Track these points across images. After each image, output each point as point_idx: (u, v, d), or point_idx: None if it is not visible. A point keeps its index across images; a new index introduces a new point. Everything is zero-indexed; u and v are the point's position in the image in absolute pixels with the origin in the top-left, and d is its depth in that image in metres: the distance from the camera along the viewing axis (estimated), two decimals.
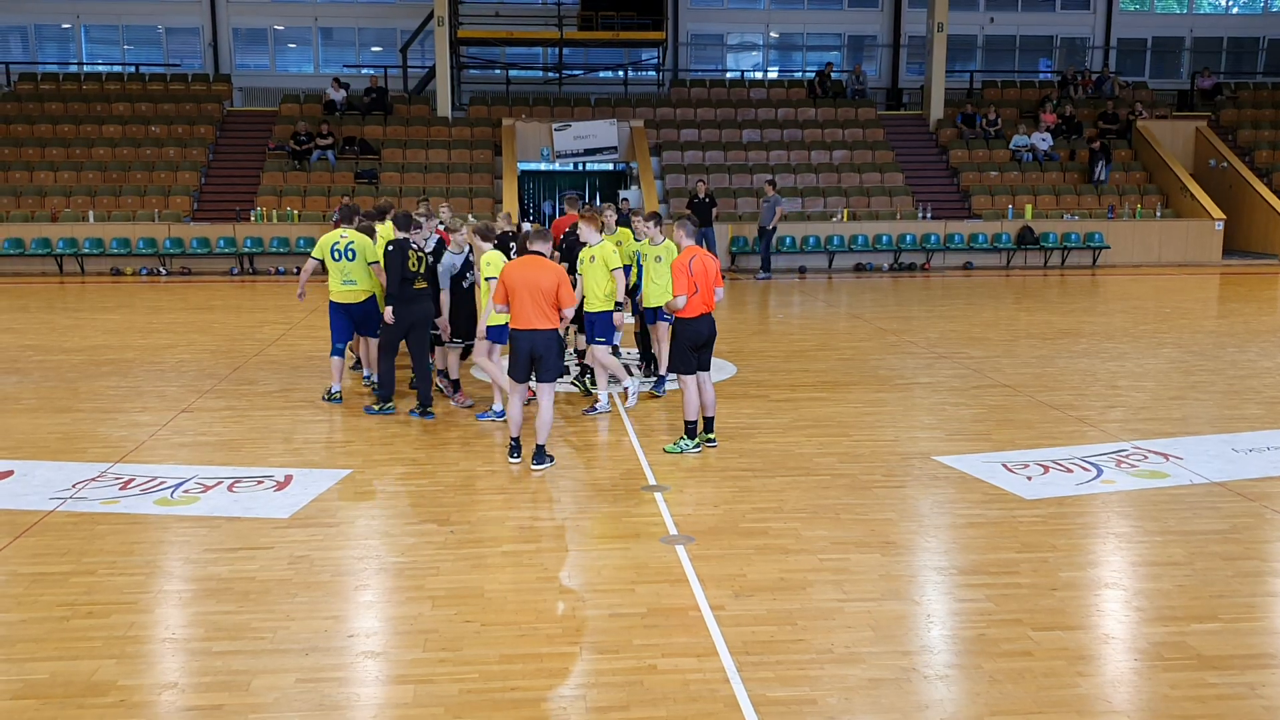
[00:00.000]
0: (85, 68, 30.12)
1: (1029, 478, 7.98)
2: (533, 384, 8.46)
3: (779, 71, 32.77)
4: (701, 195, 22.03)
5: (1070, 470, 8.17)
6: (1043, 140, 26.95)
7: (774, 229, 22.30)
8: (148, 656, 5.16)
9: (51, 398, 10.67)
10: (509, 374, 8.34)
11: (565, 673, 4.97)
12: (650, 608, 5.65)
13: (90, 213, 23.25)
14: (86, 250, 22.58)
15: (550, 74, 30.46)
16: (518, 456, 8.34)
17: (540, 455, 8.20)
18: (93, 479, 7.89)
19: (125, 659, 5.08)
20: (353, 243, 10.21)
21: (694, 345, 8.58)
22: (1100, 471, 8.13)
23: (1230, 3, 34.26)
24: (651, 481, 7.89)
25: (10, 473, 8.07)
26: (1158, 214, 25.38)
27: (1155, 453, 8.63)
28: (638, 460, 8.45)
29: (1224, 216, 25.02)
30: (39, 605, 5.68)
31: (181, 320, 16.07)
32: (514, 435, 8.37)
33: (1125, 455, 8.57)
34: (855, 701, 4.70)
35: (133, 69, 29.59)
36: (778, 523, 7.00)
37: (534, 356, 8.09)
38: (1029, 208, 24.84)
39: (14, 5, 29.84)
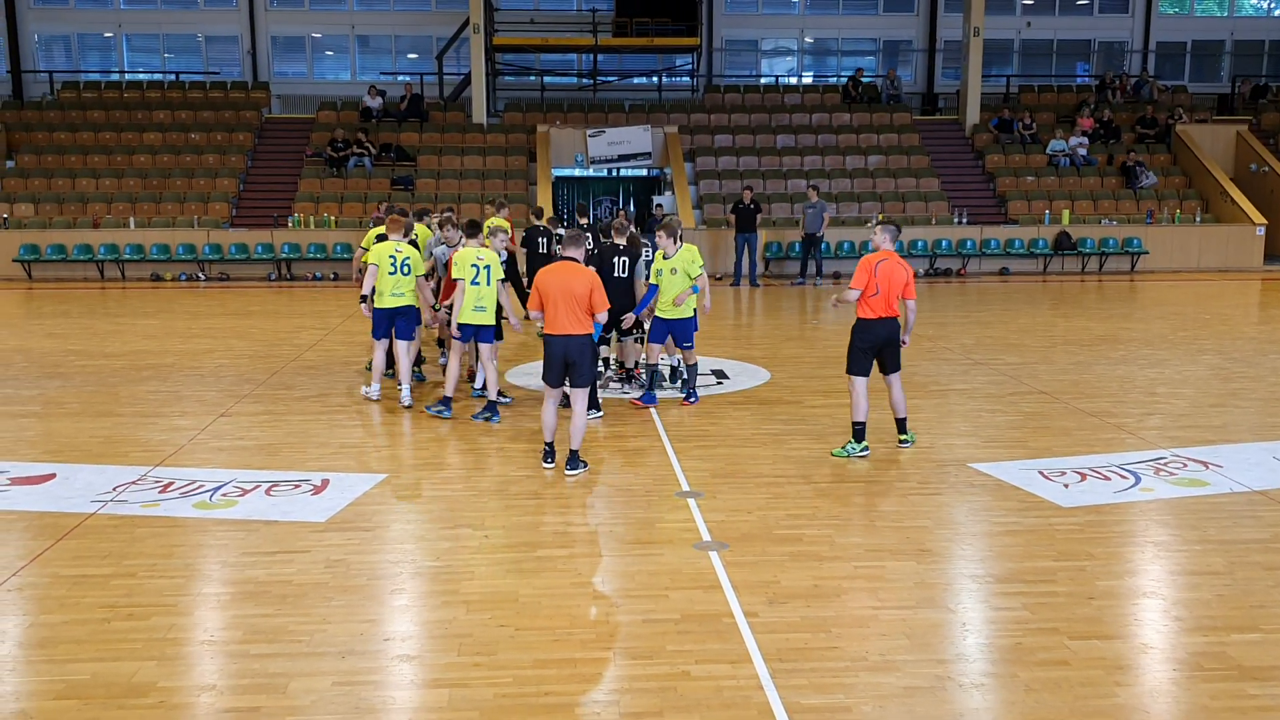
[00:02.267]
0: (126, 76, 30.56)
1: (1066, 485, 7.91)
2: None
3: (813, 77, 32.69)
4: (746, 201, 21.95)
5: (1108, 478, 8.09)
6: (1080, 145, 26.72)
7: (822, 235, 22.11)
8: (187, 658, 5.22)
9: (93, 402, 10.82)
10: (543, 379, 8.37)
11: (599, 678, 4.98)
12: (684, 614, 5.65)
13: (131, 219, 23.57)
14: (127, 256, 22.90)
15: (585, 80, 30.57)
16: (551, 461, 8.36)
17: (574, 460, 8.22)
18: (133, 482, 7.99)
19: (165, 661, 5.15)
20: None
21: (869, 346, 8.63)
22: (1138, 479, 8.04)
23: (1272, 4, 33.82)
24: (685, 487, 7.89)
25: (53, 476, 8.19)
26: (1197, 219, 25.09)
27: (1195, 460, 8.53)
28: (671, 466, 8.45)
29: (1265, 221, 24.68)
30: (81, 607, 5.76)
31: (220, 325, 16.25)
32: (548, 440, 8.39)
33: (1164, 463, 8.47)
34: (890, 710, 4.68)
35: (173, 77, 30.00)
36: (812, 529, 6.98)
37: (568, 362, 8.11)
38: (1066, 213, 24.63)
39: (57, 15, 30.32)
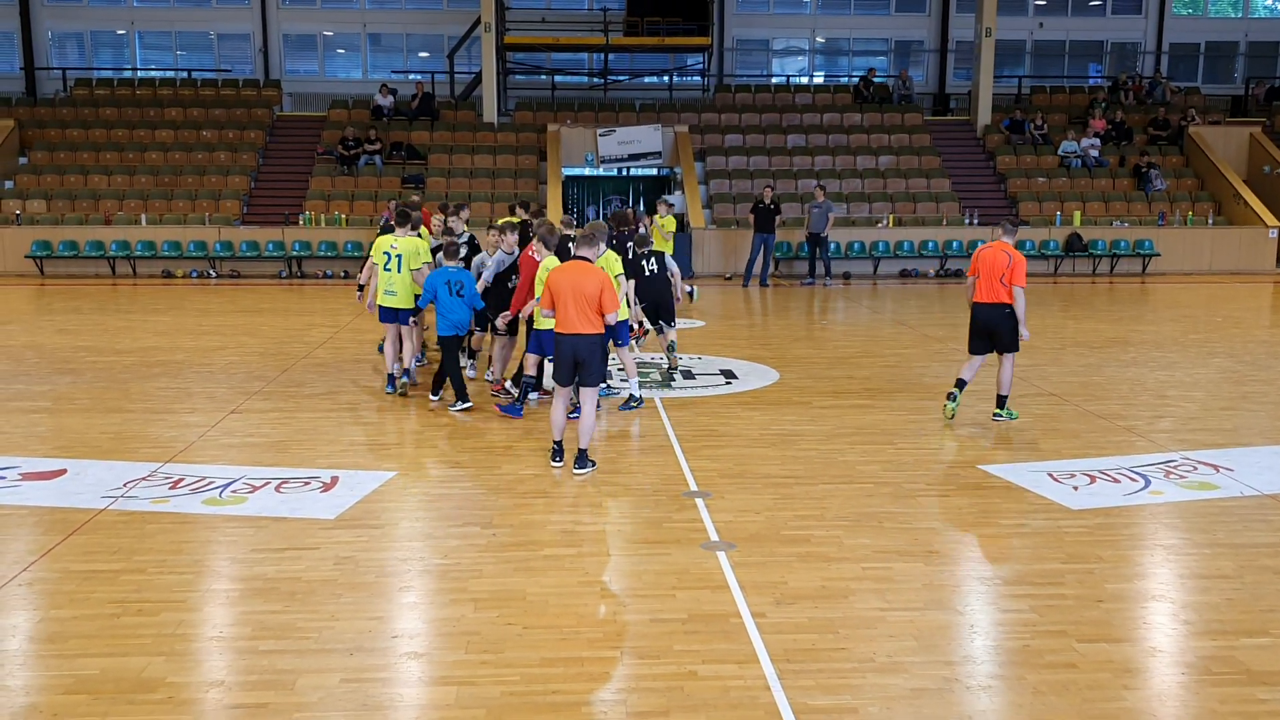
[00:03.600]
0: (139, 73, 30.67)
1: (1075, 488, 7.89)
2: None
3: (825, 77, 32.65)
4: (767, 200, 21.87)
5: (1117, 481, 8.07)
6: (1092, 146, 26.64)
7: (827, 235, 22.06)
8: (196, 654, 5.24)
9: (104, 398, 10.86)
10: (553, 378, 8.38)
11: (606, 677, 4.98)
12: (691, 614, 5.65)
13: (142, 216, 23.66)
14: (138, 253, 22.97)
15: (595, 80, 30.57)
16: (560, 461, 8.37)
17: (582, 460, 8.22)
18: (143, 478, 8.02)
19: (174, 656, 5.16)
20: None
21: (975, 327, 9.73)
22: (1148, 482, 8.02)
23: None
24: (693, 487, 7.89)
25: (63, 471, 8.23)
26: (1209, 221, 25.01)
27: (1205, 464, 8.50)
28: (679, 466, 8.45)
29: (1278, 224, 24.59)
30: (90, 602, 5.78)
31: (230, 323, 16.29)
32: (556, 439, 8.40)
33: (1174, 466, 8.45)
34: (897, 711, 4.67)
35: (185, 74, 30.09)
36: (820, 530, 6.97)
37: (577, 361, 8.11)
38: (1077, 214, 24.56)
39: (71, 12, 30.44)
